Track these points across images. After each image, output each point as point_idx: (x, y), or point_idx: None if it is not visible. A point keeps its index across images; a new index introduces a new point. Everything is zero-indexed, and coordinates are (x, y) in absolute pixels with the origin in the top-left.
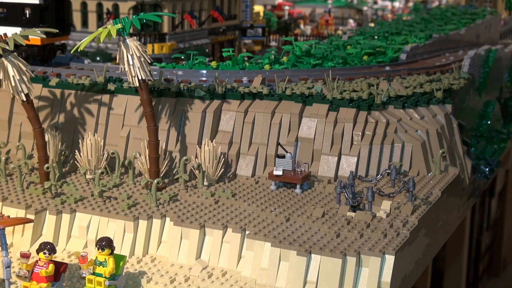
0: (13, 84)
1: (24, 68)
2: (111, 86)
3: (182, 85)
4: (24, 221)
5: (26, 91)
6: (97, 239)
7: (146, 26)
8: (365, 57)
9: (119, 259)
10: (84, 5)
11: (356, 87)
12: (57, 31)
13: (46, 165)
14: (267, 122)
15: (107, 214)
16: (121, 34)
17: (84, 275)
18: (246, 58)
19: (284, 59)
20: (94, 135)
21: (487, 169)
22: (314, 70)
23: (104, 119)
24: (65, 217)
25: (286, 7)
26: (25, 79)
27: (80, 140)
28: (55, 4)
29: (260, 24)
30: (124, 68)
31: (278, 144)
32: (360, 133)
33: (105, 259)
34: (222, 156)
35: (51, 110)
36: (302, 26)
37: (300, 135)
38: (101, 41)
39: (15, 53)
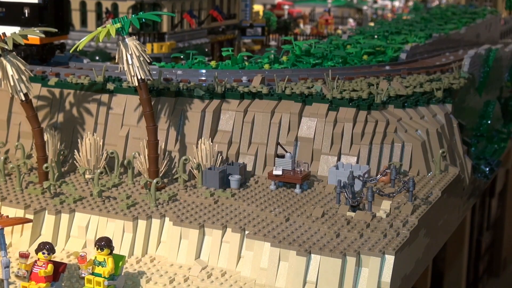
0: (12, 83)
1: (23, 68)
2: (110, 86)
3: (182, 85)
4: (23, 221)
5: (25, 90)
6: (96, 239)
7: (145, 25)
8: (365, 57)
9: (118, 259)
10: (83, 5)
11: (356, 86)
12: (56, 30)
13: (45, 165)
14: (266, 122)
15: (106, 214)
16: (120, 34)
17: (83, 275)
18: (245, 58)
19: (284, 58)
20: (93, 134)
21: (487, 169)
22: (314, 69)
23: (103, 119)
24: (64, 217)
25: (286, 7)
26: (24, 78)
27: (79, 139)
28: (54, 4)
29: (260, 23)
30: (123, 67)
31: (277, 143)
32: (360, 133)
33: (104, 259)
34: (219, 154)
35: (50, 109)
36: (301, 25)
37: (299, 135)
38: (100, 41)
39: (14, 52)
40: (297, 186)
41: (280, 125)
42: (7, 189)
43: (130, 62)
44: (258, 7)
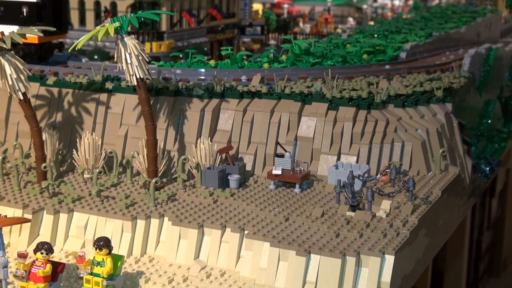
0: (10, 83)
1: (21, 67)
2: (109, 85)
3: (181, 84)
4: (21, 220)
5: (23, 89)
6: (95, 239)
7: (144, 24)
8: (364, 56)
9: (117, 259)
10: (81, 3)
11: (356, 85)
12: (55, 29)
13: (43, 165)
14: (266, 121)
15: (105, 214)
16: (119, 33)
17: (81, 275)
18: (245, 57)
19: (283, 57)
20: (92, 134)
21: (488, 169)
22: (314, 68)
23: (102, 118)
24: (63, 216)
25: (285, 5)
26: (23, 77)
27: (77, 139)
28: (53, 2)
29: (259, 22)
30: (122, 66)
31: (277, 143)
32: (360, 132)
33: (103, 259)
34: (218, 153)
35: (49, 109)
36: (301, 24)
37: (299, 134)
38: (99, 40)
39: (12, 51)
40: (297, 185)
41: (280, 124)
42: (5, 189)
43: (129, 61)
44: (257, 6)
